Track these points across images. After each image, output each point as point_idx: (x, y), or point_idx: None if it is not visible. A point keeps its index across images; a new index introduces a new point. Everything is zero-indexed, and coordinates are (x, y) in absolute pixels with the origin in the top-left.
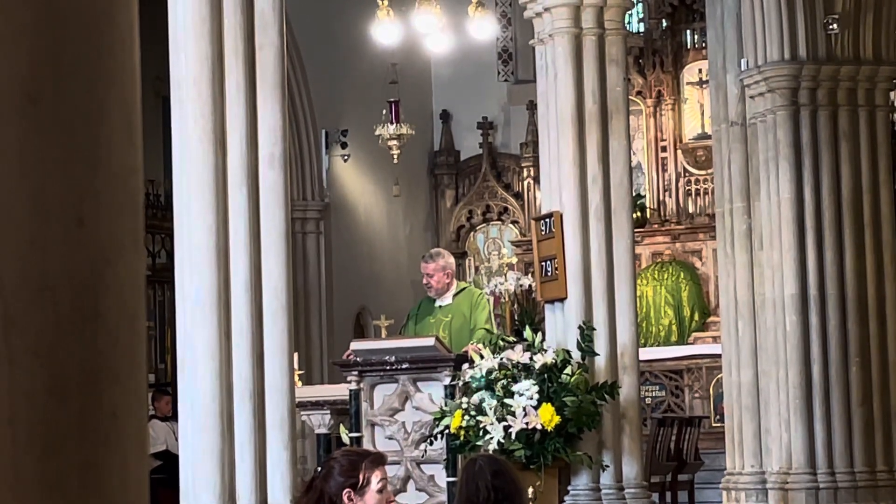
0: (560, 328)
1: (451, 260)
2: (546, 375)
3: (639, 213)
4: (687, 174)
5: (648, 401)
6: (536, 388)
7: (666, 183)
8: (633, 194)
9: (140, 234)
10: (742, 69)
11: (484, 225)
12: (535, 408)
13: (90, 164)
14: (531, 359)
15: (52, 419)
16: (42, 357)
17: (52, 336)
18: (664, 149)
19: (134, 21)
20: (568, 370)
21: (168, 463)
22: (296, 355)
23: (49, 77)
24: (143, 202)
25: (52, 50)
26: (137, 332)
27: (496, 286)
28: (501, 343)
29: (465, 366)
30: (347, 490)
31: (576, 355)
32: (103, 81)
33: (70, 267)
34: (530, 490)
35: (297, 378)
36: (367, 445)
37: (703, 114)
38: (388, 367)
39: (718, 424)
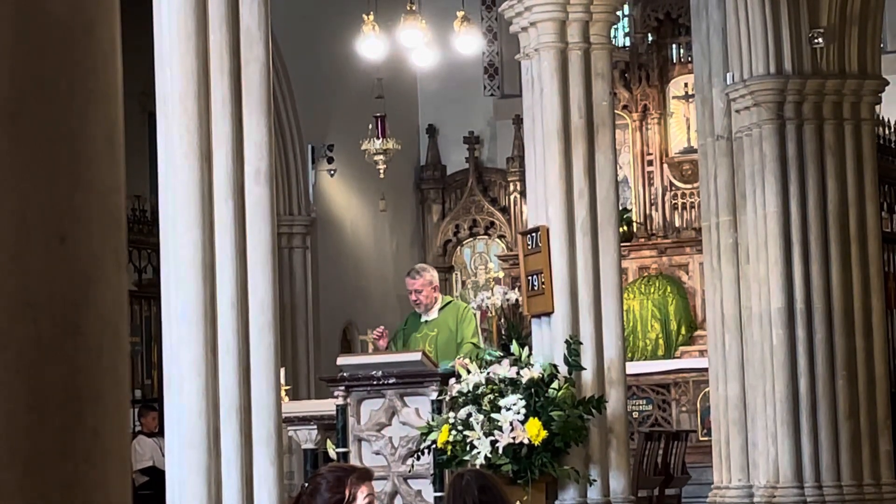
0: (547, 342)
1: (436, 274)
2: (533, 390)
3: (625, 227)
4: (673, 188)
5: (635, 415)
6: (523, 402)
7: (652, 197)
8: (620, 208)
9: (123, 251)
10: (728, 83)
11: (470, 239)
12: (522, 422)
13: (72, 182)
14: (518, 373)
15: (34, 436)
16: (23, 374)
17: (34, 353)
18: (650, 163)
19: (116, 38)
20: (555, 384)
21: (155, 479)
22: (282, 370)
23: (30, 94)
24: (125, 219)
25: (33, 67)
26: (120, 348)
27: (483, 300)
28: (488, 357)
29: (452, 380)
30: None
31: (562, 369)
32: (85, 99)
33: (52, 284)
34: None
35: (283, 393)
36: (354, 460)
37: (689, 128)
38: (374, 382)
39: (705, 438)
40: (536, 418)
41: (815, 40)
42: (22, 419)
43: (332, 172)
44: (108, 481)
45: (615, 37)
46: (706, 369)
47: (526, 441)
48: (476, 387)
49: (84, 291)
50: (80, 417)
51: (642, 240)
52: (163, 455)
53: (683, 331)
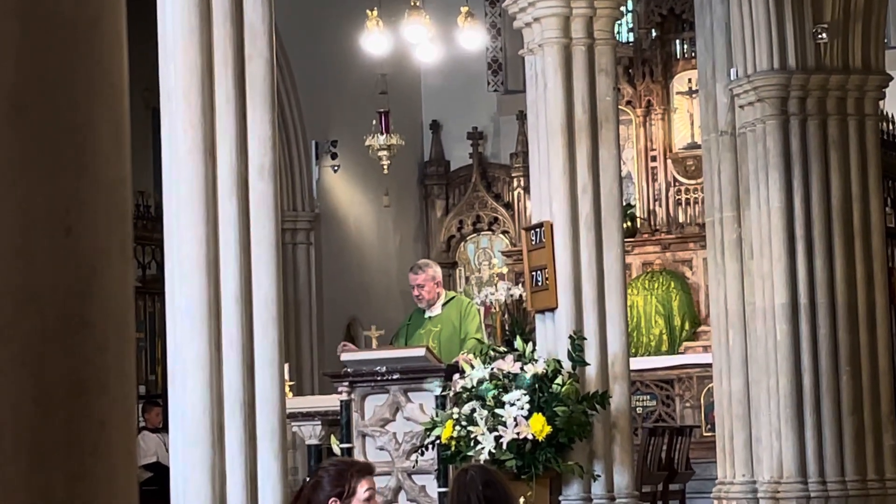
0: (550, 338)
1: (439, 269)
2: (537, 385)
3: (629, 223)
4: (677, 183)
5: (639, 410)
6: (527, 398)
7: (656, 192)
8: (624, 204)
9: (128, 243)
10: (731, 78)
11: (474, 235)
12: (526, 418)
13: (77, 174)
14: (522, 369)
15: (39, 429)
16: (29, 366)
17: (39, 345)
18: (654, 158)
19: (122, 31)
20: (559, 380)
21: (159, 475)
22: (286, 366)
23: (36, 87)
24: (131, 211)
25: (39, 60)
26: (126, 341)
27: (487, 296)
28: (492, 353)
29: (456, 376)
30: (333, 499)
31: (566, 365)
32: (91, 91)
33: (57, 276)
34: (521, 500)
35: (287, 389)
36: (358, 456)
37: (692, 123)
38: (378, 378)
39: (709, 434)
40: (540, 414)
41: (819, 35)
42: (27, 412)
43: (336, 168)
44: (114, 474)
45: (619, 32)
46: (710, 365)
47: (530, 436)
48: (480, 382)
49: (90, 283)
50: (86, 410)
51: (646, 235)
52: (167, 451)
53: (687, 326)
